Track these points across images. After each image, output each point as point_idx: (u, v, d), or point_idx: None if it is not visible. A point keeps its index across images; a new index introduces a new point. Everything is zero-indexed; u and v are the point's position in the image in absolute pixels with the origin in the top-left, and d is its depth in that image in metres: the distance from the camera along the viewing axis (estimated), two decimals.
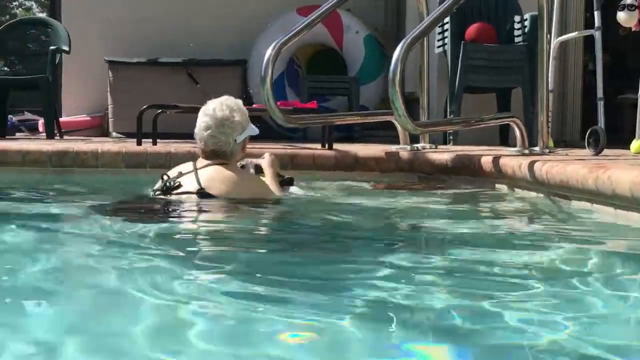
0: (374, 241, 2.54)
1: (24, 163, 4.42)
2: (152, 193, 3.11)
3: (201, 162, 3.10)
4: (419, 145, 4.93)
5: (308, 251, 2.30)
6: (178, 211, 2.96)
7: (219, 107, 3.10)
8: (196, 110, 5.76)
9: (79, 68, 7.76)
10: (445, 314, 1.52)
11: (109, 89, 7.64)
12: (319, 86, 6.84)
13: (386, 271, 1.89)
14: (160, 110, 5.32)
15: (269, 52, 4.02)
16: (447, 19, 5.92)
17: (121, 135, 7.47)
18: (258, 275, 1.84)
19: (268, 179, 3.36)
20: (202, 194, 2.96)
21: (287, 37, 4.08)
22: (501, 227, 2.85)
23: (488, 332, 1.41)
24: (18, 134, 7.84)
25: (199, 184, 2.98)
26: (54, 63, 6.81)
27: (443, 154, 4.39)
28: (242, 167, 3.57)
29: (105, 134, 7.90)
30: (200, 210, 2.97)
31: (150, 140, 5.08)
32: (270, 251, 2.33)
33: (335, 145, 5.08)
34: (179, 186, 3.00)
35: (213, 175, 3.03)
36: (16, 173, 4.34)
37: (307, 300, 1.58)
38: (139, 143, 4.91)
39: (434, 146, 5.03)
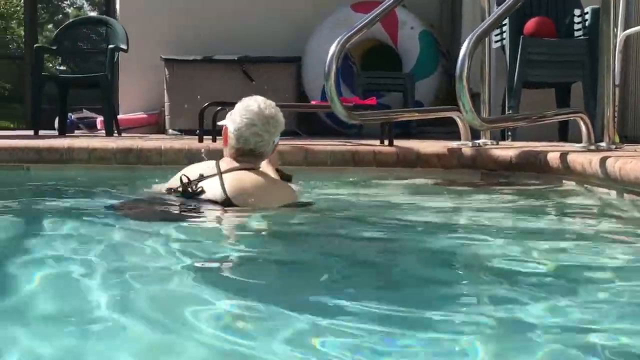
0: (444, 240, 2.45)
1: (90, 160, 4.47)
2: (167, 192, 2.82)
3: (226, 163, 2.82)
4: (480, 142, 4.87)
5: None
6: (202, 217, 2.64)
7: (263, 104, 2.90)
8: None
9: (136, 66, 7.85)
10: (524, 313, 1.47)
11: (165, 87, 7.71)
12: (374, 82, 6.81)
13: (462, 273, 1.86)
14: (219, 108, 5.33)
15: (332, 48, 4.00)
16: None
17: (177, 132, 7.54)
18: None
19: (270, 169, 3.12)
20: (228, 204, 2.66)
21: (350, 34, 4.06)
22: (578, 224, 2.79)
23: (577, 331, 1.36)
24: (77, 132, 7.96)
25: (225, 193, 2.66)
26: (113, 61, 6.89)
27: (507, 150, 4.33)
28: None
29: (162, 131, 7.98)
30: (229, 217, 2.66)
31: (210, 137, 5.11)
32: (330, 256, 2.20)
33: (393, 142, 5.05)
34: (202, 192, 2.69)
35: (243, 185, 2.73)
36: (83, 169, 4.39)
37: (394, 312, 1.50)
38: (201, 140, 4.94)
39: (494, 142, 4.96)
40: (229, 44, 7.74)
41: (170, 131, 7.66)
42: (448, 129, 6.79)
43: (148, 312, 1.45)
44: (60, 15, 28.01)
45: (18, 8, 17.12)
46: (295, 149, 4.62)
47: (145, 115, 8.13)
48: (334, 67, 3.95)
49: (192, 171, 2.78)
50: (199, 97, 6.41)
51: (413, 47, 7.40)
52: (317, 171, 4.53)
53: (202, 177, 2.72)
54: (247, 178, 2.77)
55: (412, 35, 7.39)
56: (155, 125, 8.09)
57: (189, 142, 4.74)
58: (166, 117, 7.76)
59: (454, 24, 7.96)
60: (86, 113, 8.52)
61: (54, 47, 7.27)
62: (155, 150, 4.50)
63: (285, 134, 6.87)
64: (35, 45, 7.21)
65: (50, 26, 23.34)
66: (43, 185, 3.83)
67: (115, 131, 6.88)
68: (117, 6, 9.09)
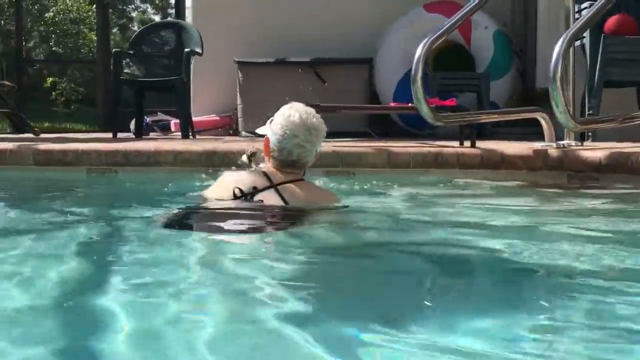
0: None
1: (175, 163, 4.52)
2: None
3: (272, 174, 2.78)
4: (565, 142, 4.77)
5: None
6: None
7: (304, 114, 2.83)
8: (334, 109, 5.82)
9: (209, 69, 7.94)
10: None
11: (238, 89, 7.76)
12: (449, 83, 6.73)
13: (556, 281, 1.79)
14: None
15: (419, 51, 3.96)
16: (584, 12, 5.71)
17: (250, 134, 7.58)
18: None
19: None
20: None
21: (436, 35, 4.02)
22: None
23: None
24: (151, 134, 8.09)
25: (287, 205, 2.67)
26: (189, 65, 6.97)
27: (595, 152, 4.22)
28: (253, 155, 3.26)
29: (234, 133, 8.05)
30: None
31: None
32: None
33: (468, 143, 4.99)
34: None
35: (300, 197, 2.72)
36: (168, 172, 4.44)
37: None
38: None
39: (579, 143, 4.86)
40: (301, 46, 7.77)
41: (243, 133, 7.71)
42: (523, 130, 6.69)
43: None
44: (125, 20, 28.52)
45: (90, 13, 17.50)
46: (377, 151, 4.59)
47: (218, 118, 8.20)
48: (420, 69, 3.92)
49: (241, 182, 2.75)
50: (268, 100, 6.42)
51: (487, 47, 7.30)
52: (400, 173, 4.50)
53: (256, 190, 2.70)
54: (301, 190, 2.76)
55: (486, 35, 7.29)
56: (228, 127, 8.17)
57: None
58: (239, 119, 7.82)
59: (527, 23, 7.84)
60: (160, 116, 8.65)
61: (131, 52, 7.39)
62: (238, 153, 4.51)
63: (358, 135, 6.93)
64: (114, 50, 7.35)
65: (115, 30, 23.79)
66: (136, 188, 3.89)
67: (190, 133, 6.96)
68: (187, 11, 9.23)
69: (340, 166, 4.52)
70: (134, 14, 31.16)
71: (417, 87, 3.91)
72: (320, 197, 2.86)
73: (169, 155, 4.53)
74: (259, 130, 3.03)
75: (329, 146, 4.72)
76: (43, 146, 4.51)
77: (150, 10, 32.52)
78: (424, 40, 4.01)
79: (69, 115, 14.67)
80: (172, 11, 32.71)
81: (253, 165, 3.26)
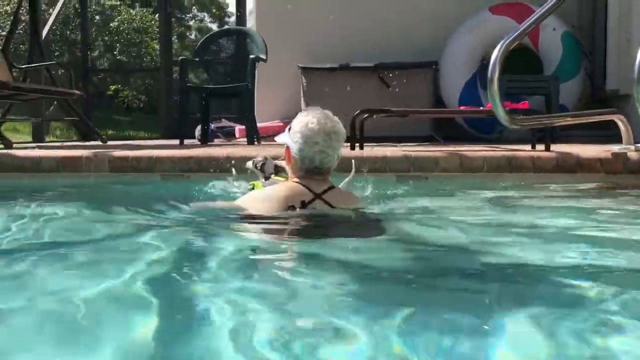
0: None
1: (246, 170, 4.52)
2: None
3: (317, 184, 2.77)
4: None
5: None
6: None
7: (323, 119, 2.80)
8: (406, 114, 5.76)
9: (272, 75, 7.96)
10: None
11: (302, 95, 7.77)
12: (517, 86, 6.61)
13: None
14: (366, 115, 5.31)
15: (495, 52, 3.89)
16: None
17: None
18: None
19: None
20: None
21: (513, 37, 3.94)
22: None
23: None
24: (216, 140, 8.14)
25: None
26: (253, 71, 6.99)
27: None
28: (263, 165, 3.41)
29: None
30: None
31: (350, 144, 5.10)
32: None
33: (541, 146, 4.88)
34: None
35: (345, 202, 2.79)
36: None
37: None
38: (353, 148, 4.93)
39: None
40: (365, 51, 7.73)
41: None
42: (593, 132, 6.53)
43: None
44: (182, 28, 28.91)
45: (152, 22, 17.76)
46: (449, 155, 4.52)
47: (281, 124, 8.20)
48: (497, 71, 3.84)
49: (284, 198, 2.72)
50: (332, 105, 6.38)
51: (555, 49, 7.15)
52: (473, 177, 4.42)
53: (305, 203, 2.70)
54: (344, 197, 2.81)
55: (554, 37, 7.15)
56: None
57: (345, 151, 4.72)
58: None
59: (595, 24, 7.66)
60: (225, 122, 8.70)
61: (197, 59, 7.45)
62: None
63: (422, 140, 6.86)
64: (180, 58, 7.41)
65: (173, 38, 24.12)
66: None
67: (256, 139, 6.97)
68: (248, 17, 9.28)
69: (412, 171, 4.47)
70: (191, 22, 31.61)
71: (494, 90, 3.83)
72: (354, 201, 2.88)
73: (241, 161, 4.52)
74: (278, 139, 3.00)
75: (398, 150, 4.68)
76: (118, 153, 4.56)
77: (207, 18, 32.97)
78: (501, 42, 3.94)
79: (130, 123, 14.93)
80: (230, 19, 33.18)
81: (259, 174, 3.40)
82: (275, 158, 3.38)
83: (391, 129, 6.98)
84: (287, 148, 2.85)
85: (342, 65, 7.61)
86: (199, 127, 7.67)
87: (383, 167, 4.47)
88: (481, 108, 6.11)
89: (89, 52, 12.57)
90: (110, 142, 7.62)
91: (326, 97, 7.53)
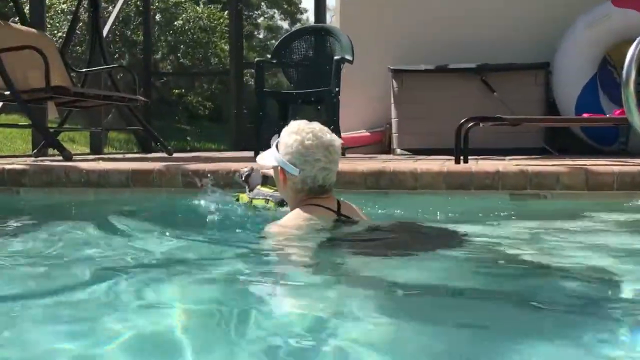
0: None
1: (337, 184, 4.48)
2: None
3: (329, 203, 2.88)
4: None
5: None
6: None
7: (319, 132, 2.86)
8: (519, 122, 5.66)
9: (358, 79, 7.93)
10: None
11: (392, 101, 7.72)
12: None
13: None
14: (472, 124, 5.22)
15: (632, 50, 3.76)
16: None
17: (407, 152, 7.52)
18: None
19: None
20: None
21: None
22: None
23: None
24: None
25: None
26: (339, 74, 6.96)
27: None
28: (248, 176, 3.66)
29: (386, 150, 8.00)
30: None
31: (453, 157, 5.02)
32: None
33: None
34: None
35: (359, 215, 2.95)
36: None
37: None
38: (458, 161, 4.85)
39: None
40: (465, 51, 7.65)
41: (398, 151, 7.65)
42: None
43: None
44: (250, 26, 29.29)
45: (221, 21, 17.96)
46: (573, 170, 4.39)
47: (368, 134, 8.18)
48: (633, 72, 3.71)
49: (322, 219, 2.81)
50: (428, 112, 6.31)
51: None
52: (600, 197, 4.29)
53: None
54: (352, 210, 2.95)
55: None
56: (379, 145, 8.13)
57: (447, 164, 4.65)
58: (393, 134, 7.77)
59: None
60: None
61: (274, 61, 7.48)
62: (409, 174, 4.44)
63: (532, 152, 6.71)
64: (256, 59, 7.45)
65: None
66: None
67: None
68: (328, 14, 9.31)
69: (529, 188, 4.36)
70: (259, 20, 32.01)
71: (629, 93, 3.70)
72: (359, 213, 2.99)
73: None
74: (263, 162, 3.01)
75: (511, 165, 4.58)
76: (193, 166, 4.59)
77: (277, 15, 33.33)
78: (639, 38, 3.81)
79: (193, 132, 15.11)
80: (303, 16, 33.45)
81: (244, 185, 3.66)
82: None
83: (496, 140, 6.87)
84: (282, 170, 2.88)
85: (440, 66, 7.54)
86: (275, 137, 7.69)
87: (494, 184, 4.37)
88: (608, 115, 5.96)
89: (152, 54, 12.80)
90: (176, 154, 7.72)
91: (420, 103, 7.48)
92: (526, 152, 6.70)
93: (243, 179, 3.82)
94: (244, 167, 3.89)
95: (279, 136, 2.97)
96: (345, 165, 4.71)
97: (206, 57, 17.84)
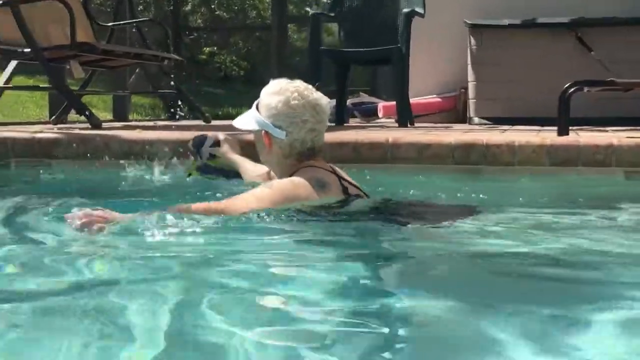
0: None
1: (421, 159, 4.43)
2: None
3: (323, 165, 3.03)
4: None
5: None
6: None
7: (304, 90, 2.96)
8: (633, 85, 5.56)
9: (427, 35, 7.81)
10: None
11: (469, 61, 7.64)
12: None
13: None
14: (574, 89, 5.14)
15: None
16: None
17: (486, 122, 7.44)
18: None
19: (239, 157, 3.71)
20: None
21: None
22: None
23: None
24: (351, 120, 8.11)
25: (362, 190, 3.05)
26: (408, 30, 6.87)
27: None
28: (201, 137, 3.86)
29: (460, 119, 7.91)
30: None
31: (555, 127, 4.95)
32: None
33: None
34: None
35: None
36: (412, 171, 4.37)
37: None
38: (562, 132, 4.77)
39: None
40: (556, 3, 7.52)
41: (475, 119, 7.57)
42: None
43: None
44: None
45: None
46: None
47: (438, 100, 8.10)
48: None
49: (334, 181, 2.95)
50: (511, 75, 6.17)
51: None
52: None
53: (352, 184, 3.00)
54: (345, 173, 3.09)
55: None
56: (452, 112, 8.05)
57: (550, 136, 4.57)
58: (470, 101, 7.68)
59: None
60: (363, 97, 8.68)
61: (332, 14, 7.40)
62: (506, 147, 4.38)
63: (638, 123, 6.57)
64: (311, 12, 7.41)
65: None
66: None
67: (408, 121, 6.87)
68: None
69: None
70: None
71: None
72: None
73: (412, 148, 4.45)
74: (242, 125, 3.09)
75: (621, 137, 4.49)
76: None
77: None
78: None
79: (226, 97, 15.01)
80: None
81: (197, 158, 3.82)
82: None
83: (595, 108, 6.76)
84: (266, 134, 2.97)
85: (526, 21, 7.45)
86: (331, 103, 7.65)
87: (607, 160, 4.30)
88: None
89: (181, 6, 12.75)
90: (213, 122, 7.69)
91: (503, 63, 7.41)
92: (630, 123, 6.58)
93: (194, 149, 3.87)
94: (212, 135, 3.95)
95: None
96: (428, 136, 4.66)
97: (243, 10, 17.73)
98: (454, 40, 7.78)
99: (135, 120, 10.28)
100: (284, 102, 2.93)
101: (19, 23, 6.19)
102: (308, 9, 19.47)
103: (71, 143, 4.50)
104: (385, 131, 5.48)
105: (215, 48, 17.77)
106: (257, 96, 3.11)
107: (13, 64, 7.67)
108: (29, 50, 6.31)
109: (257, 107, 3.00)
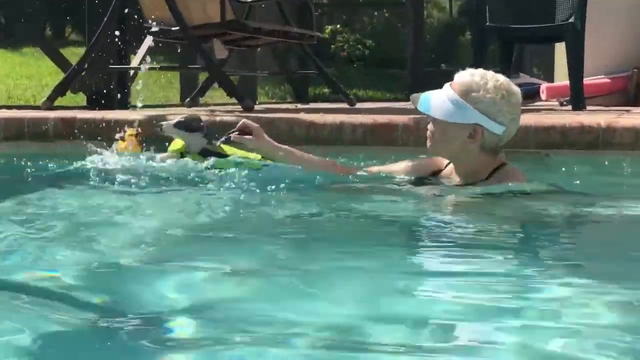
0: None
1: (637, 145, 4.32)
2: None
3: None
4: None
5: None
6: None
7: (504, 80, 3.05)
8: None
9: (594, 9, 7.56)
10: None
11: None
12: None
13: None
14: None
15: None
16: None
17: None
18: None
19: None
20: None
21: None
22: None
23: None
24: None
25: None
26: (585, 4, 6.67)
27: None
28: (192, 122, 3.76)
29: (630, 102, 7.67)
30: None
31: None
32: None
33: None
34: None
35: None
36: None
37: None
38: None
39: None
40: None
41: None
42: None
43: None
44: None
45: None
46: None
47: (607, 80, 7.87)
48: None
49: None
50: None
51: None
52: None
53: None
54: None
55: None
56: (622, 94, 7.82)
57: None
58: None
59: None
60: (523, 77, 8.51)
61: None
62: None
63: None
64: None
65: None
66: None
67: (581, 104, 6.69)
68: None
69: None
70: None
71: None
72: None
73: (627, 133, 4.33)
74: (444, 116, 3.05)
75: None
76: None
77: None
78: None
79: (349, 78, 14.88)
80: None
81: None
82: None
83: None
84: (477, 127, 2.96)
85: None
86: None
87: None
88: None
89: None
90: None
91: None
92: None
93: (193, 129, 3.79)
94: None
95: None
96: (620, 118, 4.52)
97: None
98: (627, 14, 7.59)
99: (263, 103, 10.28)
100: (501, 94, 2.95)
101: (168, 1, 6.17)
102: None
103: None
104: (587, 114, 5.33)
105: (338, 26, 17.70)
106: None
107: (147, 44, 7.69)
108: (176, 29, 6.31)
109: (464, 98, 2.96)
